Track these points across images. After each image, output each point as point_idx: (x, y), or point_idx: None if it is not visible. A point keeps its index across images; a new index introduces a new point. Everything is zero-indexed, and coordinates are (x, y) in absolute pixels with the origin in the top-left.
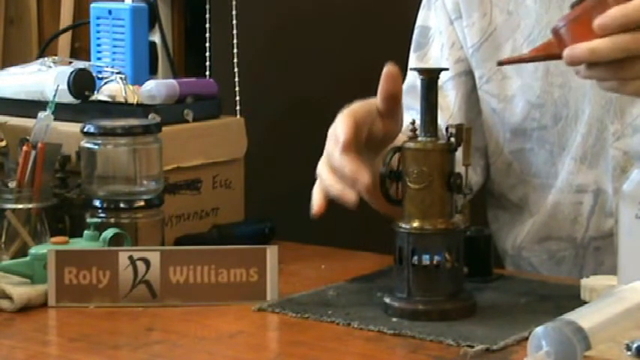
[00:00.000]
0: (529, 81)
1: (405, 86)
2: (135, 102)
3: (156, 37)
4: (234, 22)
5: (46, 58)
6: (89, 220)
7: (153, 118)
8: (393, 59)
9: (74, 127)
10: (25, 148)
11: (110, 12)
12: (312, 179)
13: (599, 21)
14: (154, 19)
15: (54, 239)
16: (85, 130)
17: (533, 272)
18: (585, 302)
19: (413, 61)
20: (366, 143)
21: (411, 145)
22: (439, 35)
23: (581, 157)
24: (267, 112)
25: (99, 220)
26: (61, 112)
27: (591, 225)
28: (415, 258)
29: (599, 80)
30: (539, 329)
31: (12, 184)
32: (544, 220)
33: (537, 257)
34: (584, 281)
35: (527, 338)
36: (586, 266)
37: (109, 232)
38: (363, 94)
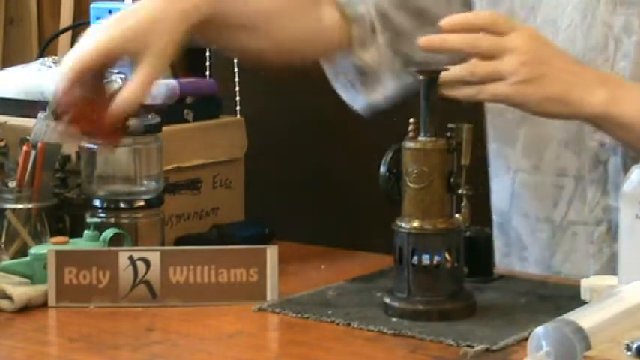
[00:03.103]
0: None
1: None
2: None
3: None
4: None
5: (46, 58)
6: (89, 220)
7: (153, 118)
8: None
9: None
10: (25, 148)
11: (110, 12)
12: (312, 179)
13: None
14: None
15: (54, 239)
16: None
17: (518, 245)
18: (585, 302)
19: None
20: None
21: (411, 145)
22: None
23: (565, 141)
24: (267, 112)
25: (99, 220)
26: None
27: (571, 210)
28: (415, 258)
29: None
30: (539, 329)
31: (12, 184)
32: (526, 197)
33: (524, 229)
34: (584, 281)
35: (527, 338)
36: (560, 250)
37: (109, 232)
38: None
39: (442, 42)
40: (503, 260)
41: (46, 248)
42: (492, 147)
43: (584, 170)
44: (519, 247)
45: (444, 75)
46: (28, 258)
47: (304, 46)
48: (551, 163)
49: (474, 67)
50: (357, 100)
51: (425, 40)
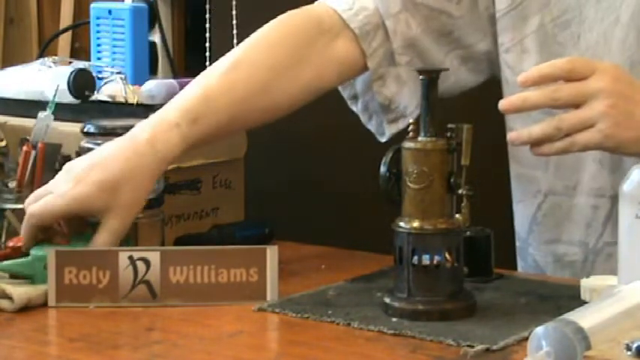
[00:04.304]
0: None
1: None
2: (135, 102)
3: (156, 37)
4: (234, 22)
5: (46, 58)
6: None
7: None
8: None
9: (74, 127)
10: (25, 148)
11: (110, 12)
12: (312, 179)
13: (522, 75)
14: (154, 19)
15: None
16: (85, 130)
17: (536, 271)
18: (585, 302)
19: None
20: None
21: (411, 145)
22: None
23: (600, 159)
24: None
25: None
26: (61, 112)
27: (606, 231)
28: (415, 258)
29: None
30: (539, 329)
31: (12, 184)
32: (557, 220)
33: (543, 258)
34: (584, 281)
35: (527, 338)
36: (594, 273)
37: None
38: None
39: (523, 102)
40: None
41: (46, 249)
42: (518, 171)
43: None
44: (537, 272)
45: (531, 134)
46: (28, 258)
47: (317, 88)
48: (587, 183)
49: (559, 121)
50: (380, 129)
51: (506, 102)
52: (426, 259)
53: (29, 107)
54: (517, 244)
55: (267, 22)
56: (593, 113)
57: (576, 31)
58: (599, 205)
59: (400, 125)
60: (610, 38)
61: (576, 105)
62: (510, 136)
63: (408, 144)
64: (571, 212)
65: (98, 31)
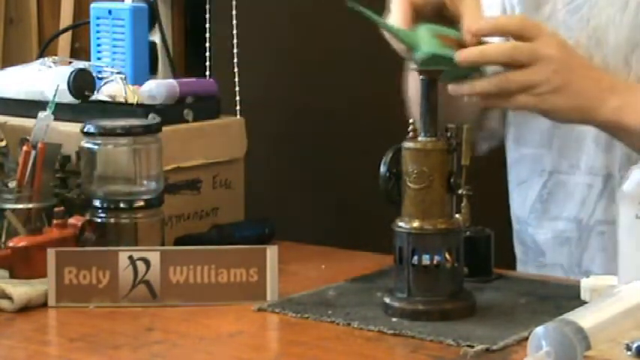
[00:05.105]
0: None
1: None
2: (135, 102)
3: (156, 37)
4: (234, 22)
5: (46, 58)
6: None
7: (153, 118)
8: (392, 57)
9: (74, 127)
10: (25, 148)
11: (110, 12)
12: (311, 179)
13: (475, 26)
14: (154, 19)
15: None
16: (85, 130)
17: (535, 255)
18: (585, 302)
19: None
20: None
21: (411, 145)
22: None
23: (596, 139)
24: (267, 112)
25: (99, 219)
26: (61, 112)
27: (598, 209)
28: (415, 258)
29: (486, 99)
30: (539, 329)
31: (12, 184)
32: (559, 197)
33: (543, 235)
34: (584, 281)
35: (527, 338)
36: (588, 251)
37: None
38: (364, 94)
39: (481, 55)
40: (520, 268)
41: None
42: (522, 152)
43: (614, 168)
44: (536, 254)
45: (474, 88)
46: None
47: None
48: (585, 162)
49: (506, 82)
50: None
51: (464, 53)
52: (426, 259)
53: (29, 107)
54: (516, 227)
55: (266, 21)
56: (538, 77)
57: (586, 16)
58: (593, 183)
59: (492, 144)
60: (618, 23)
61: (520, 65)
62: (451, 87)
63: (407, 144)
64: (571, 190)
65: (98, 31)
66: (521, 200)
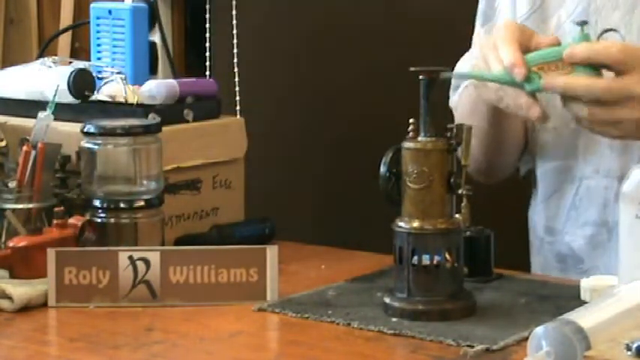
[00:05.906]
0: None
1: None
2: (135, 102)
3: (156, 37)
4: (234, 22)
5: (46, 58)
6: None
7: (153, 118)
8: (391, 58)
9: (74, 127)
10: (25, 148)
11: (110, 12)
12: (312, 179)
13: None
14: (154, 19)
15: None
16: (85, 130)
17: (574, 257)
18: (585, 302)
19: (481, 36)
20: None
21: (410, 145)
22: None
23: (610, 143)
24: (267, 113)
25: (99, 219)
26: (61, 112)
27: (616, 210)
28: (415, 258)
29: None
30: (539, 329)
31: (12, 184)
32: (589, 202)
33: (577, 242)
34: (584, 281)
35: (527, 338)
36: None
37: None
38: (364, 94)
39: (565, 86)
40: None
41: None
42: (552, 165)
43: (628, 170)
44: (575, 261)
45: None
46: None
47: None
48: (603, 166)
49: (591, 116)
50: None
51: (549, 81)
52: (425, 259)
53: (29, 107)
54: (548, 239)
55: (266, 21)
56: (623, 117)
57: (592, 22)
58: (609, 185)
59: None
60: (627, 25)
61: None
62: (545, 81)
63: (407, 144)
64: (595, 194)
65: (98, 31)
66: (554, 211)
